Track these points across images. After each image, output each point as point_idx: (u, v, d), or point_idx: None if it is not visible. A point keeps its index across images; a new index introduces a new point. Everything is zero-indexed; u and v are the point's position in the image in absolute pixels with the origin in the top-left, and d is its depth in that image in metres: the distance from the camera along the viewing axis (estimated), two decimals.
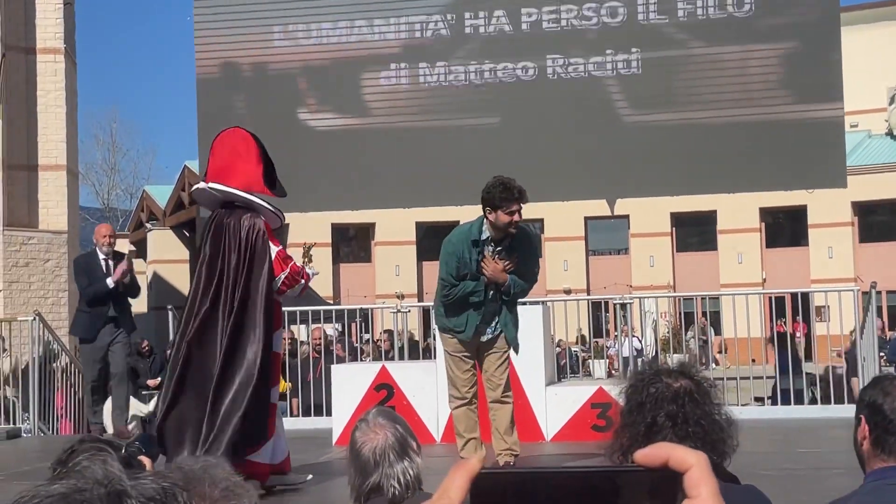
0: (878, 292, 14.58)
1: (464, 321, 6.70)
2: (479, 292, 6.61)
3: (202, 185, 6.66)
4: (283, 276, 6.44)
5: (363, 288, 31.07)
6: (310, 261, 6.86)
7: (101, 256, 9.51)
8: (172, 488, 0.95)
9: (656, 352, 18.89)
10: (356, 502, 3.10)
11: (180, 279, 36.81)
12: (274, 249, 6.41)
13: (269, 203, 6.59)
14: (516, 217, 6.49)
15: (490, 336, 6.79)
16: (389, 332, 11.82)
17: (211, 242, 6.42)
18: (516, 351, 6.92)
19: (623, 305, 12.87)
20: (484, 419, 6.94)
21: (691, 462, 0.79)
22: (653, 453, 0.80)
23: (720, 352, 25.98)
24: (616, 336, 17.20)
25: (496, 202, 6.44)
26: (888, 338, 19.40)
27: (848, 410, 9.55)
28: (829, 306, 11.88)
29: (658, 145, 10.18)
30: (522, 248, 6.68)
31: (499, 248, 6.61)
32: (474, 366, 6.81)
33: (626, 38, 10.22)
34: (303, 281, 6.47)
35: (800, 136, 9.91)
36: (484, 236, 6.60)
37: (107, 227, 9.80)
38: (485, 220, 6.58)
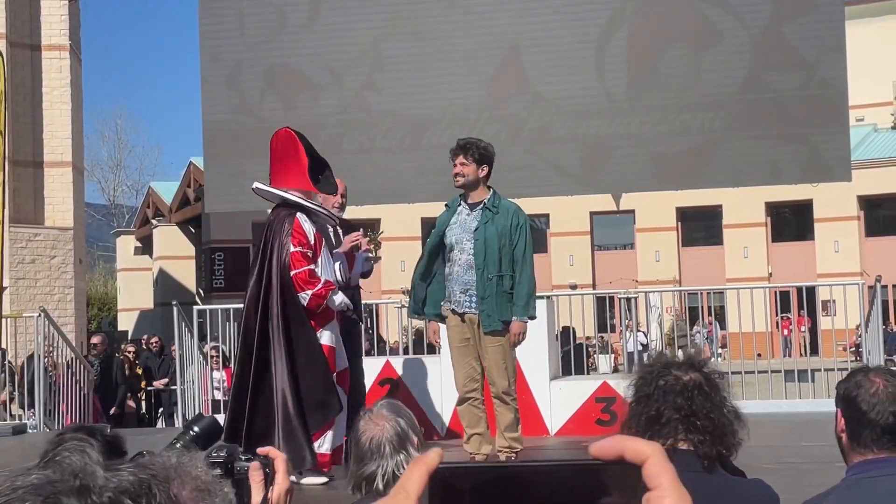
0: (884, 286, 14.54)
1: (422, 300, 6.77)
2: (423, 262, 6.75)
3: (255, 185, 6.82)
4: (294, 273, 6.46)
5: (369, 283, 31.13)
6: (378, 247, 6.93)
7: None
8: (149, 480, 0.94)
9: (662, 346, 18.85)
10: (353, 490, 3.14)
11: (186, 275, 36.87)
12: (291, 248, 6.45)
13: (314, 201, 6.60)
14: (457, 169, 6.60)
15: (467, 311, 6.65)
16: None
17: (260, 243, 6.72)
18: (504, 325, 6.63)
19: (628, 300, 12.85)
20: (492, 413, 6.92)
21: (647, 453, 0.78)
22: (608, 446, 0.79)
23: (723, 346, 25.95)
24: (622, 331, 17.18)
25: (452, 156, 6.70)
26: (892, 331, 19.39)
27: None
28: (834, 300, 11.86)
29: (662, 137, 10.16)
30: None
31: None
32: (476, 360, 6.69)
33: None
34: (310, 292, 6.43)
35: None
36: (456, 200, 6.77)
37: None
38: None
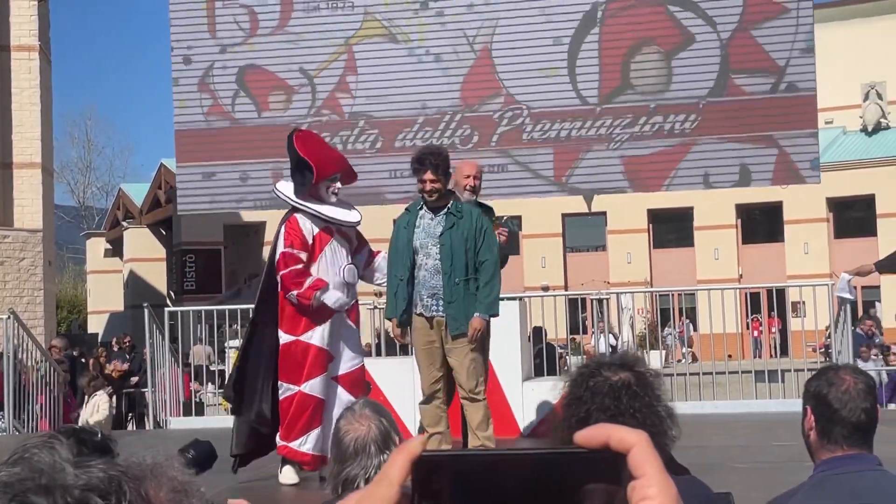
0: (853, 287, 14.64)
1: (392, 301, 6.78)
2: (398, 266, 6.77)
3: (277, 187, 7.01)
4: (281, 273, 6.51)
5: None
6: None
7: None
8: (119, 478, 0.94)
9: (634, 347, 18.92)
10: (332, 490, 3.11)
11: (157, 277, 36.66)
12: (280, 248, 6.52)
13: (311, 202, 6.63)
14: (428, 186, 6.61)
15: (435, 315, 6.69)
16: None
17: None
18: (465, 327, 6.69)
19: (600, 301, 12.89)
20: (457, 415, 6.97)
21: (633, 441, 0.78)
22: (593, 434, 0.79)
23: (689, 346, 26.10)
24: (593, 332, 17.24)
25: (414, 171, 6.73)
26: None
27: None
28: (804, 301, 11.96)
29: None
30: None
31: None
32: (441, 363, 6.71)
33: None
34: (294, 292, 6.45)
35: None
36: (419, 204, 6.78)
37: (470, 166, 7.55)
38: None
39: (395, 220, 7.00)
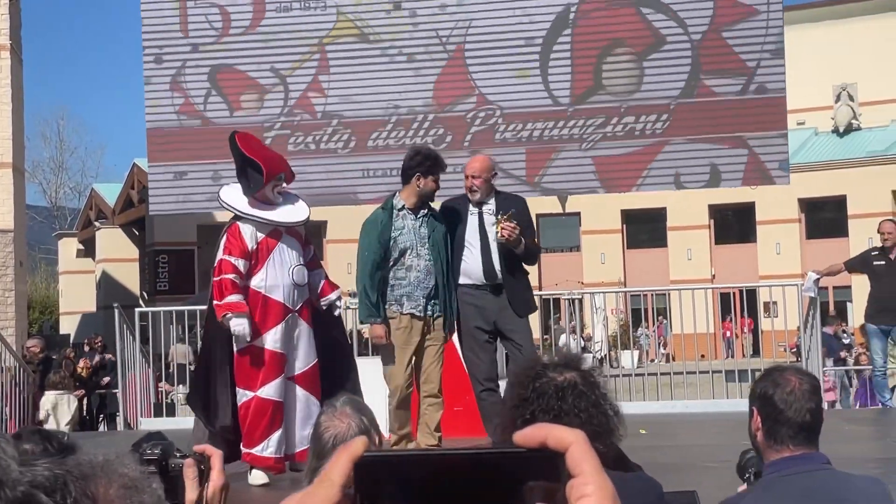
0: (823, 288, 14.75)
1: (404, 299, 6.79)
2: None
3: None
4: (213, 280, 6.54)
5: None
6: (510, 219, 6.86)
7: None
8: (64, 476, 0.94)
9: (608, 347, 19.01)
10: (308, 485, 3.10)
11: (130, 278, 36.46)
12: (218, 255, 6.52)
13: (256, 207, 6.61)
14: (435, 186, 6.83)
15: (430, 315, 6.79)
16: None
17: None
18: (451, 333, 7.00)
19: (572, 301, 12.93)
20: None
21: (570, 440, 0.80)
22: (531, 434, 0.80)
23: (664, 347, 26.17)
24: (565, 333, 17.27)
25: (429, 169, 6.77)
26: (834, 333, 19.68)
27: None
28: (775, 302, 12.04)
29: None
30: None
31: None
32: (413, 363, 6.82)
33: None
34: (216, 302, 6.44)
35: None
36: (399, 205, 6.81)
37: (469, 165, 7.18)
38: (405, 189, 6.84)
39: (367, 221, 6.98)
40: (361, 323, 6.95)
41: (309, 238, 6.97)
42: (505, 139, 10.21)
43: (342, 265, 32.56)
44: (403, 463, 0.80)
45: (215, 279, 6.47)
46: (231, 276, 6.39)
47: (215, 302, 6.43)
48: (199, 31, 10.60)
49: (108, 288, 35.62)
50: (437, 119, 10.38)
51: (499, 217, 6.74)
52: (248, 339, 6.38)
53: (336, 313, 6.85)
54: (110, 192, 37.78)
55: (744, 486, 3.17)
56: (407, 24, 10.46)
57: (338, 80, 10.47)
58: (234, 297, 6.35)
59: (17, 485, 0.91)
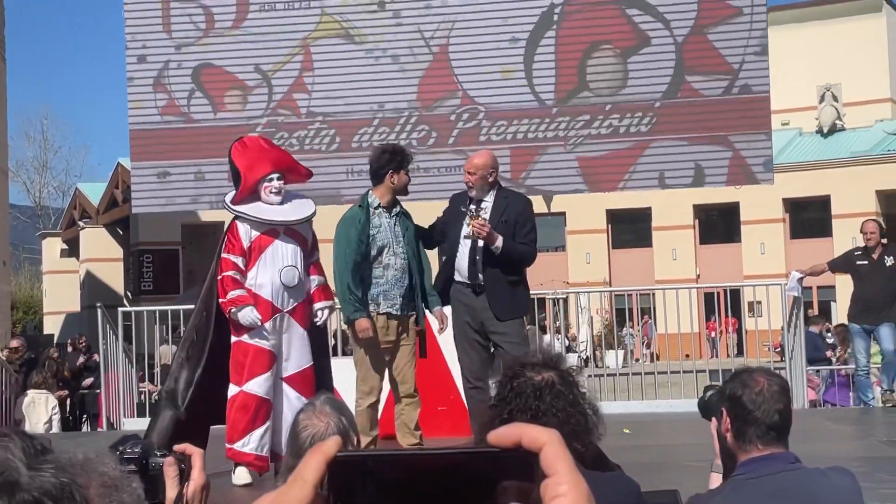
0: (808, 288, 14.80)
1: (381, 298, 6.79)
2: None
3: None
4: (219, 277, 6.57)
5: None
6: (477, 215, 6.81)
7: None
8: (70, 485, 0.93)
9: (592, 347, 18.98)
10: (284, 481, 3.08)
11: (114, 278, 36.35)
12: (222, 254, 6.59)
13: (249, 211, 6.63)
14: (407, 180, 6.88)
15: (405, 314, 6.81)
16: None
17: None
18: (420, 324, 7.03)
19: (556, 301, 12.93)
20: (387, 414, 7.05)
21: (544, 440, 0.80)
22: (505, 434, 0.80)
23: (647, 346, 26.27)
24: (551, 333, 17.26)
25: (399, 163, 6.80)
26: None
27: None
28: (759, 301, 12.07)
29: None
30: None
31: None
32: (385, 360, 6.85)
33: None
34: (221, 299, 6.48)
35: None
36: (375, 203, 6.82)
37: (468, 161, 7.12)
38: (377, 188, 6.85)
39: (344, 218, 6.97)
40: (347, 319, 6.89)
41: (316, 243, 6.94)
42: (489, 138, 10.20)
43: (326, 265, 32.56)
44: (377, 463, 0.80)
45: (219, 277, 6.57)
46: (231, 272, 6.50)
47: (220, 300, 6.53)
48: (182, 30, 10.56)
49: (92, 288, 35.50)
50: (421, 118, 10.36)
51: (470, 213, 6.74)
52: (259, 323, 6.46)
53: (317, 322, 6.77)
54: (94, 192, 37.66)
55: (715, 481, 3.18)
56: (391, 24, 10.44)
57: (322, 79, 10.45)
58: (236, 292, 6.47)
59: (29, 489, 0.90)
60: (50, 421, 12.78)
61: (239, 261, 6.53)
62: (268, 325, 6.51)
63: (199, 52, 10.55)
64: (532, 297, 14.66)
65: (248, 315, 6.43)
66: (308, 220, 6.78)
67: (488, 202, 6.79)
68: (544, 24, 10.32)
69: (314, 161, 10.47)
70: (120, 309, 11.80)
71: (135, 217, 28.12)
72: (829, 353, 15.71)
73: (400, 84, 10.40)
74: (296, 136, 10.43)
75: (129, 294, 34.84)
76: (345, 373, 9.30)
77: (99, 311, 11.29)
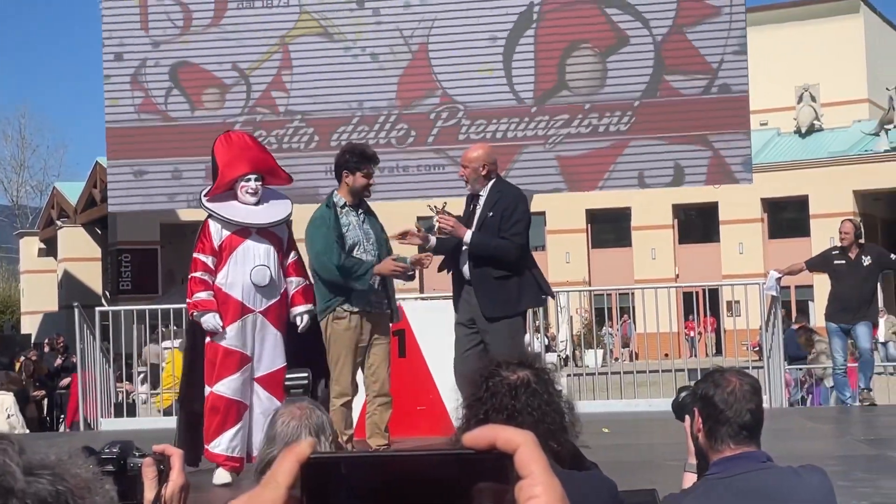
0: (786, 287, 14.85)
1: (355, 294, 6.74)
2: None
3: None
4: (188, 276, 6.60)
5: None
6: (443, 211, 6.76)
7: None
8: (67, 494, 0.93)
9: (572, 347, 19.04)
10: (256, 472, 3.09)
11: (92, 277, 36.19)
12: (194, 254, 6.58)
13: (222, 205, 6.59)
14: (371, 181, 6.84)
15: (381, 312, 6.78)
16: None
17: None
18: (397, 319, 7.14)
19: None
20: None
21: (519, 441, 0.79)
22: (480, 435, 0.80)
23: (625, 346, 26.33)
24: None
25: (354, 165, 6.75)
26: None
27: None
28: (738, 301, 12.11)
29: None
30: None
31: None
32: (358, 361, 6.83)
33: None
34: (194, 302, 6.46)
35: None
36: (342, 202, 6.80)
37: (471, 150, 7.10)
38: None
39: (315, 217, 6.94)
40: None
41: (293, 243, 6.89)
42: (469, 137, 10.18)
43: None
44: (350, 464, 0.80)
45: (189, 276, 6.59)
46: (199, 273, 6.49)
47: (187, 300, 6.58)
48: (159, 27, 10.50)
49: (70, 287, 35.33)
50: (400, 117, 10.34)
51: (434, 209, 6.74)
52: (219, 330, 6.44)
53: (299, 327, 6.70)
54: (72, 191, 37.50)
55: (689, 480, 3.18)
56: (371, 22, 10.42)
57: (301, 78, 10.41)
58: (201, 295, 6.46)
59: (23, 497, 0.90)
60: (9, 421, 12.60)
61: (209, 260, 6.51)
62: (237, 325, 6.47)
63: (176, 49, 10.50)
64: None
65: (209, 321, 6.42)
66: (281, 223, 6.74)
67: (483, 196, 6.77)
68: (523, 23, 10.32)
69: (293, 160, 10.44)
70: (97, 308, 11.74)
71: (113, 216, 27.99)
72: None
73: (379, 83, 10.38)
74: (274, 135, 10.38)
75: (107, 294, 34.69)
76: None
77: (76, 310, 11.22)
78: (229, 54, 10.45)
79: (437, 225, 6.65)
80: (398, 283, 7.21)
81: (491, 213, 6.62)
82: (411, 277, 6.99)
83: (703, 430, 2.92)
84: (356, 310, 6.72)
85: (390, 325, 6.99)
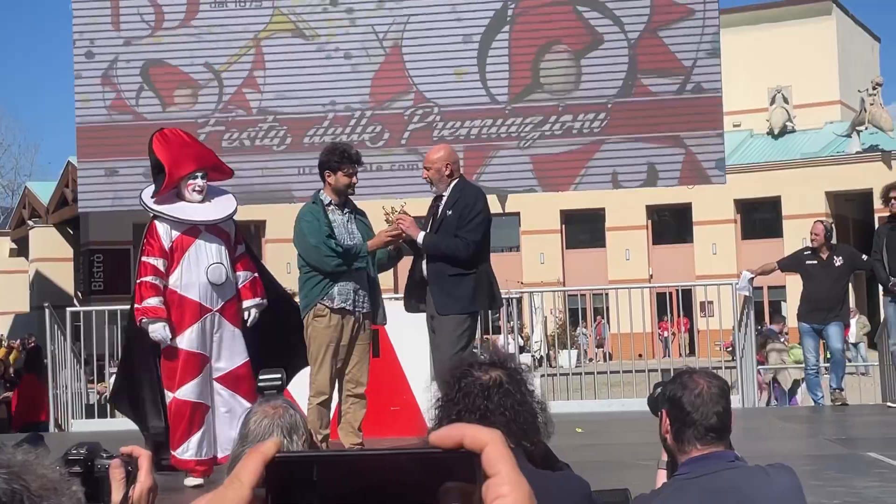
0: (759, 288, 14.91)
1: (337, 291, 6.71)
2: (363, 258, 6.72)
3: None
4: (136, 282, 6.46)
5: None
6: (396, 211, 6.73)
7: None
8: (23, 492, 0.92)
9: (546, 347, 19.02)
10: (228, 470, 3.06)
11: (64, 278, 35.95)
12: (141, 258, 6.47)
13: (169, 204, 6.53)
14: (354, 180, 6.78)
15: (362, 311, 6.76)
16: None
17: None
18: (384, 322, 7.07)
19: (509, 301, 12.93)
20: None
21: (486, 440, 0.79)
22: (447, 434, 0.79)
23: (599, 346, 26.44)
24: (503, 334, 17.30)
25: (334, 164, 6.73)
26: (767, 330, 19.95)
27: (733, 401, 9.84)
28: (711, 301, 12.15)
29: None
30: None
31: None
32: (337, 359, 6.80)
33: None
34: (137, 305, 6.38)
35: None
36: (327, 200, 6.79)
37: (432, 152, 7.04)
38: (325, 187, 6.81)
39: (304, 213, 6.91)
40: (370, 250, 6.70)
41: (241, 237, 6.85)
42: (442, 137, 10.17)
43: (282, 265, 32.38)
44: (316, 463, 0.79)
45: (137, 281, 6.43)
46: (149, 278, 6.35)
47: (135, 305, 6.39)
48: (131, 25, 10.44)
49: (41, 288, 35.09)
50: (374, 116, 10.32)
51: (387, 211, 6.76)
52: (168, 342, 6.33)
53: (247, 322, 6.65)
54: (44, 191, 37.25)
55: (662, 477, 3.19)
56: (344, 21, 10.39)
57: (274, 76, 10.37)
58: (151, 301, 6.31)
59: None
60: None
61: (159, 263, 6.38)
62: (197, 326, 6.40)
63: (148, 48, 10.44)
64: None
65: (158, 331, 6.29)
66: (230, 218, 6.69)
67: (445, 196, 6.77)
68: (498, 23, 10.32)
69: (265, 159, 10.40)
70: (69, 309, 11.66)
71: (85, 216, 27.79)
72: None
73: (352, 82, 10.35)
74: (247, 134, 10.34)
75: (79, 294, 34.46)
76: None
77: (47, 311, 11.13)
78: (202, 53, 10.40)
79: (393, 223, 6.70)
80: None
81: (450, 213, 6.63)
82: (410, 245, 6.85)
83: (670, 431, 2.92)
84: (337, 307, 6.69)
85: (374, 320, 6.92)
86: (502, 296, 12.84)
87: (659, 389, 3.20)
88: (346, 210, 6.86)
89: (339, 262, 6.63)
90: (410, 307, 6.82)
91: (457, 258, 6.59)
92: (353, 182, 6.79)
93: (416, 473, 0.78)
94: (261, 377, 3.25)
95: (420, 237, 6.61)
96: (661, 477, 3.20)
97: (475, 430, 0.80)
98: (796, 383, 14.51)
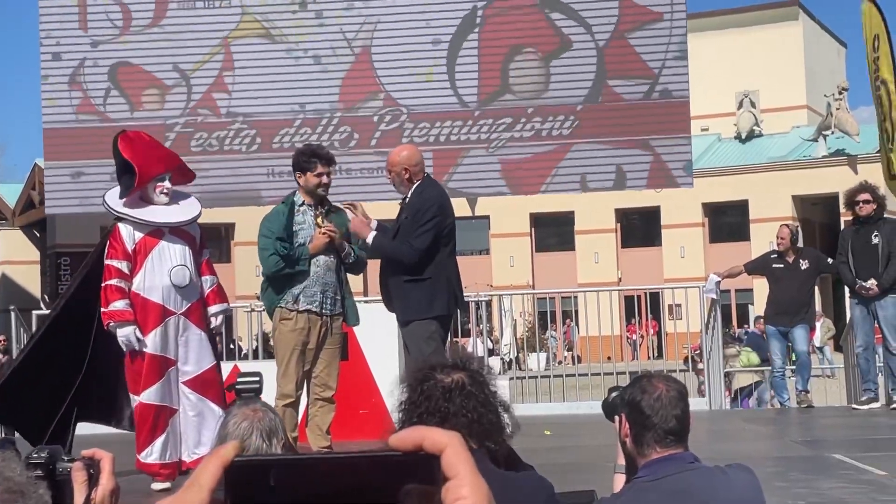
0: (726, 291, 15.00)
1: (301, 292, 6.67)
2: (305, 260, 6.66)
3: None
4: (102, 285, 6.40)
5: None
6: (324, 218, 6.70)
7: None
8: None
9: (515, 350, 19.09)
10: None
11: (31, 281, 35.65)
12: (105, 261, 6.42)
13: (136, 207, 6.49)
14: (326, 179, 6.74)
15: (330, 313, 6.73)
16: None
17: None
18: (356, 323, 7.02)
19: (478, 304, 12.96)
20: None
21: (445, 443, 0.79)
22: (407, 437, 0.80)
23: (569, 349, 26.49)
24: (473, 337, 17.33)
25: (304, 165, 6.72)
26: (735, 333, 20.10)
27: (700, 403, 9.91)
28: (679, 304, 12.23)
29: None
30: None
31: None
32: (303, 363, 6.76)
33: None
34: (103, 309, 6.33)
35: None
36: (300, 201, 6.76)
37: (392, 154, 7.02)
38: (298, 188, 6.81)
39: (268, 214, 6.88)
40: (311, 252, 6.67)
41: (205, 241, 6.82)
42: (412, 140, 10.16)
43: (251, 268, 32.25)
44: (275, 467, 0.79)
45: (103, 284, 6.37)
46: (114, 281, 6.31)
47: (102, 309, 6.34)
48: (98, 27, 10.37)
49: (7, 291, 34.77)
50: (343, 119, 10.31)
51: (317, 215, 6.75)
52: (137, 346, 6.29)
53: (213, 329, 6.64)
54: (10, 193, 36.94)
55: (619, 481, 3.21)
56: (313, 24, 10.37)
57: (243, 79, 10.34)
58: (118, 304, 6.28)
59: None
60: None
61: (123, 265, 6.34)
62: (160, 329, 6.35)
63: (116, 50, 10.37)
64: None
65: (128, 335, 6.26)
66: (195, 220, 6.66)
67: (407, 199, 6.77)
68: (467, 26, 10.34)
69: (234, 162, 10.36)
70: (34, 312, 11.57)
71: (52, 218, 27.57)
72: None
73: (322, 85, 10.33)
74: (215, 137, 10.30)
75: (45, 297, 34.19)
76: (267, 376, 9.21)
77: (13, 314, 11.05)
78: (170, 55, 10.35)
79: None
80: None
81: (405, 217, 6.63)
82: (361, 245, 6.82)
83: (630, 435, 2.94)
84: (303, 309, 6.66)
85: (345, 321, 6.88)
86: (473, 299, 12.89)
87: (614, 394, 3.22)
88: (322, 209, 6.80)
89: (279, 261, 6.59)
90: (390, 307, 6.81)
91: (400, 263, 6.56)
92: (324, 182, 6.73)
93: (376, 476, 0.78)
94: (238, 379, 3.27)
95: (370, 237, 6.59)
96: (619, 481, 3.22)
97: (434, 432, 0.80)
98: (746, 389, 14.64)
